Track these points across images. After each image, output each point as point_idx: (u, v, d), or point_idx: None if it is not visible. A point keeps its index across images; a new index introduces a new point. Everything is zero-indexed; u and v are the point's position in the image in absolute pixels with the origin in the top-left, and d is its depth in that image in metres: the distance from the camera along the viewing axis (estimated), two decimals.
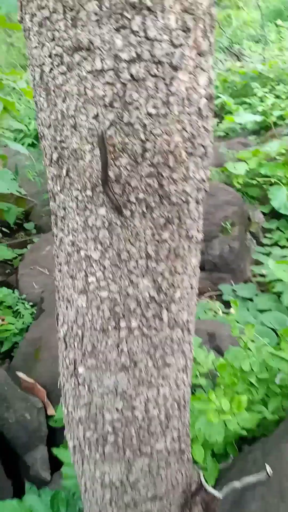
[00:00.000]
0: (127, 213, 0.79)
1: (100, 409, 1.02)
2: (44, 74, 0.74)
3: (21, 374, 2.30)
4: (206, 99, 0.77)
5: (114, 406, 1.01)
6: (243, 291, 2.87)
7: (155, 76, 0.69)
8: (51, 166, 0.82)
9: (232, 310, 2.75)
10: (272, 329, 2.33)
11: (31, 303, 3.29)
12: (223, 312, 2.70)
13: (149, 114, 0.71)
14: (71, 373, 1.01)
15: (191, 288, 0.97)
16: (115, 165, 0.75)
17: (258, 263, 3.26)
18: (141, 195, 0.78)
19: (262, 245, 3.44)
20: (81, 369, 0.98)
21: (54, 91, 0.74)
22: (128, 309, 0.89)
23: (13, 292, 3.38)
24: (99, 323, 0.90)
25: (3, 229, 4.13)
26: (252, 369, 1.75)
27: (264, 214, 3.76)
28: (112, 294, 0.87)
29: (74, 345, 0.96)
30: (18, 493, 2.06)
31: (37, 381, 2.30)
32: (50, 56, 0.72)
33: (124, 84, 0.69)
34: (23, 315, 3.20)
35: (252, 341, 1.85)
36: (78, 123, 0.73)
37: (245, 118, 5.65)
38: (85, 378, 0.99)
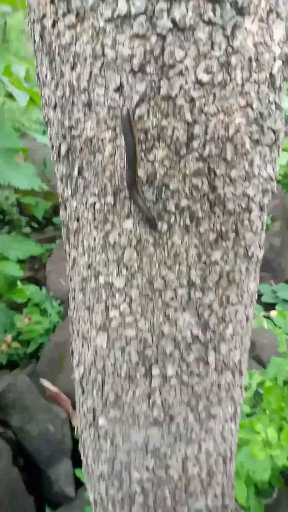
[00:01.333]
0: (163, 226, 0.56)
1: (126, 466, 0.80)
2: (46, 31, 0.51)
3: (45, 382, 2.14)
4: (282, 61, 0.51)
5: (143, 464, 0.79)
6: (285, 292, 2.57)
7: (210, 23, 0.44)
8: (59, 162, 0.59)
9: (273, 313, 2.47)
10: None
11: (58, 301, 3.13)
12: (263, 316, 2.41)
13: (200, 83, 0.47)
14: (90, 423, 0.80)
15: (247, 320, 0.72)
16: (147, 160, 0.51)
17: None
18: (183, 202, 0.54)
19: None
20: (101, 421, 0.76)
21: (59, 54, 0.50)
22: (163, 352, 0.65)
23: (41, 289, 3.23)
24: (124, 368, 0.68)
25: (32, 223, 3.99)
26: None
27: None
28: (142, 333, 0.63)
29: (93, 392, 0.74)
30: (41, 510, 1.90)
31: (61, 389, 2.13)
32: (52, 2, 0.48)
33: (162, 37, 0.45)
34: (50, 314, 3.05)
35: None
36: (94, 100, 0.50)
37: None
38: (107, 431, 0.77)
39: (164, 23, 0.44)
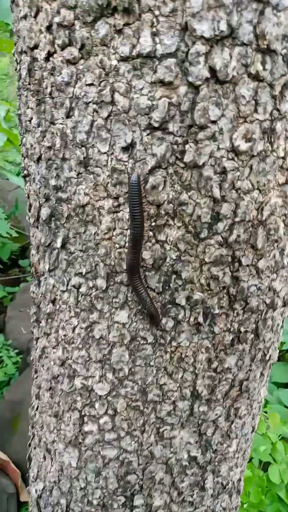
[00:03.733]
0: (168, 323, 0.41)
1: None
2: (36, 64, 0.38)
3: None
4: None
5: None
6: None
7: (256, 78, 0.33)
8: (37, 228, 0.45)
9: None
10: None
11: (16, 350, 2.84)
12: None
13: (236, 152, 0.35)
14: None
15: (252, 431, 0.57)
16: (157, 240, 0.38)
17: None
18: (197, 295, 0.40)
19: None
20: None
21: (51, 95, 0.37)
22: (151, 478, 0.48)
23: None
24: (98, 495, 0.50)
25: None
26: (282, 480, 1.32)
27: None
28: (125, 455, 0.47)
29: None
30: None
31: (11, 457, 1.82)
32: (49, 30, 0.36)
33: (194, 88, 0.33)
34: (6, 364, 2.74)
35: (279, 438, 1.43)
36: (94, 158, 0.36)
37: None
38: None
39: (200, 70, 0.32)
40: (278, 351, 0.53)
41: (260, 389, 0.53)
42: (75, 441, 0.49)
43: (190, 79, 0.32)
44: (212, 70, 0.32)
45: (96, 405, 0.46)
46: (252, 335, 0.45)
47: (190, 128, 0.34)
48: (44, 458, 0.54)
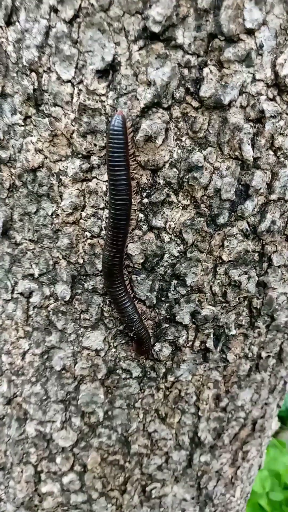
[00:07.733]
0: (163, 350, 0.28)
1: None
2: None
3: None
4: None
5: None
6: None
7: None
8: None
9: None
10: None
11: None
12: None
13: (279, 87, 0.21)
14: None
15: (258, 468, 0.45)
16: (150, 226, 0.24)
17: None
18: (208, 309, 0.28)
19: None
20: None
21: None
22: None
23: None
24: None
25: None
26: (263, 487, 1.24)
27: None
28: None
29: None
30: None
31: None
32: None
33: None
34: None
35: None
36: (50, 89, 0.23)
37: None
38: None
39: None
40: None
41: (272, 422, 0.41)
42: (29, 503, 0.35)
43: None
44: None
45: (58, 459, 0.32)
46: (274, 360, 0.33)
47: (211, 41, 0.20)
48: None
